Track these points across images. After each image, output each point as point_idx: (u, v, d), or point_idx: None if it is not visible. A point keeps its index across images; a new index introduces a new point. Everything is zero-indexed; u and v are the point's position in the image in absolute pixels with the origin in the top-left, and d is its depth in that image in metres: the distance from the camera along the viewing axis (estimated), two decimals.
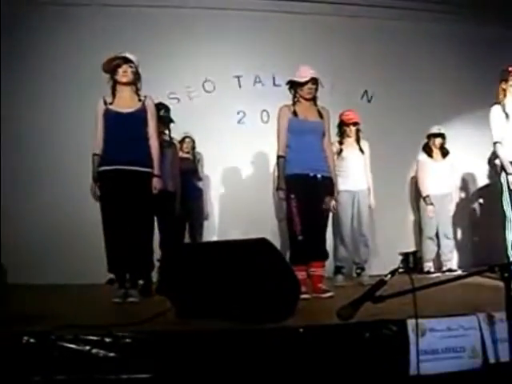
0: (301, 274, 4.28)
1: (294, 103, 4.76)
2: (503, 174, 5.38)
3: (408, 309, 2.52)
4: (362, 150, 6.10)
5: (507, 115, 5.37)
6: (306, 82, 4.68)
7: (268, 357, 2.62)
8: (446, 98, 7.80)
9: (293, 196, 4.57)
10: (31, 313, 3.63)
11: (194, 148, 6.58)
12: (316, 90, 4.75)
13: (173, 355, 2.58)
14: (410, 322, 2.72)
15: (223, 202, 7.52)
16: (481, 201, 8.15)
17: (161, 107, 5.51)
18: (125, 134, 4.46)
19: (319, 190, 4.68)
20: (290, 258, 4.54)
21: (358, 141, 6.13)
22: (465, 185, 8.11)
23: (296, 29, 7.66)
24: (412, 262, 7.35)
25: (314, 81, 4.70)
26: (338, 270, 6.09)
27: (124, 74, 4.50)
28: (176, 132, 6.00)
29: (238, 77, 7.63)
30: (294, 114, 4.70)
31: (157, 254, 5.16)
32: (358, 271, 6.12)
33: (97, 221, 4.50)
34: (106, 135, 4.51)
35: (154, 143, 4.61)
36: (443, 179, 6.97)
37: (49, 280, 6.11)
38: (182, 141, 6.41)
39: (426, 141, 7.12)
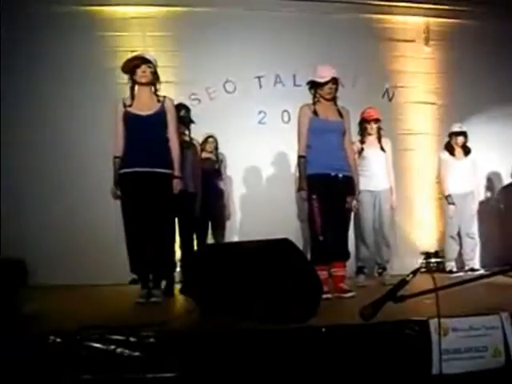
0: (322, 274, 4.27)
1: (315, 103, 4.76)
2: None
3: (431, 308, 2.52)
4: (383, 149, 6.07)
5: None
6: (327, 82, 4.67)
7: (291, 356, 2.64)
8: (470, 95, 7.74)
9: (314, 196, 4.58)
10: (56, 313, 3.69)
11: (216, 148, 6.58)
12: (336, 89, 4.75)
13: (197, 354, 2.61)
14: (433, 322, 2.72)
15: (245, 202, 7.53)
16: (506, 199, 8.07)
17: (181, 108, 5.53)
18: (145, 136, 4.46)
19: (340, 189, 4.67)
20: (311, 258, 4.54)
21: (379, 139, 6.10)
22: (490, 183, 8.04)
23: (316, 29, 7.64)
24: (434, 262, 7.32)
25: (335, 81, 4.69)
26: (359, 269, 6.09)
27: (143, 74, 4.50)
28: (197, 133, 6.00)
29: (259, 77, 7.63)
30: (315, 113, 4.70)
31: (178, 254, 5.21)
32: (380, 271, 6.10)
33: (119, 223, 4.53)
34: (126, 138, 4.52)
35: (174, 145, 4.60)
36: (465, 178, 6.90)
37: (71, 281, 6.15)
38: (204, 141, 6.41)
39: (447, 139, 7.06)
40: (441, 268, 7.11)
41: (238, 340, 2.67)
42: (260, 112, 7.63)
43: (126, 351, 2.59)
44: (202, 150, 6.28)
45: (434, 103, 7.95)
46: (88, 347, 2.60)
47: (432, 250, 7.45)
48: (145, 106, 4.52)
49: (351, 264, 5.51)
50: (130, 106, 4.52)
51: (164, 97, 4.60)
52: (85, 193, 6.77)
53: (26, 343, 2.62)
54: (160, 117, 4.54)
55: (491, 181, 8.06)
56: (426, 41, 8.13)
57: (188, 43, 7.40)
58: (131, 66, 4.54)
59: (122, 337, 2.62)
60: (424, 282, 2.38)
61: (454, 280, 2.35)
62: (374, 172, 5.97)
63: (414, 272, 2.32)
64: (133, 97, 4.56)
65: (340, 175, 4.65)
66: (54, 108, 7.03)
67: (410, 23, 8.14)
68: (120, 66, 4.59)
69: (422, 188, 7.82)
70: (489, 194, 7.99)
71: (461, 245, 7.04)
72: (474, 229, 7.06)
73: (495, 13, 7.89)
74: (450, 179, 6.93)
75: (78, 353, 2.58)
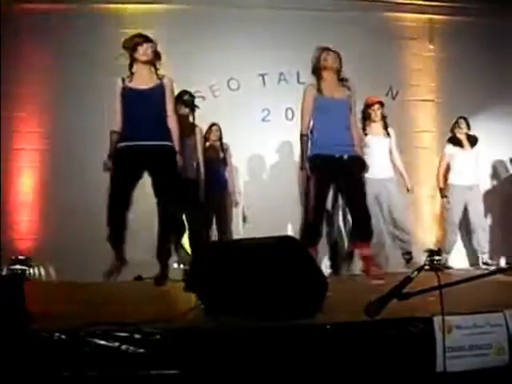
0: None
1: (319, 83, 4.71)
2: None
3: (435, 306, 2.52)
4: (389, 134, 6.02)
5: None
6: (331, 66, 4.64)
7: (296, 354, 2.64)
8: (474, 92, 7.74)
9: (314, 176, 4.52)
10: (60, 310, 3.70)
11: (221, 138, 6.57)
12: (340, 66, 4.69)
13: (202, 351, 2.61)
14: (437, 319, 2.72)
15: (248, 197, 7.53)
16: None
17: (183, 93, 5.53)
18: (143, 110, 4.45)
19: (348, 170, 4.59)
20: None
21: (384, 127, 6.06)
22: (492, 179, 8.03)
23: (320, 26, 7.64)
24: (438, 259, 7.32)
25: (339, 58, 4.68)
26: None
27: (144, 52, 4.49)
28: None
29: (263, 75, 7.65)
30: (320, 91, 4.65)
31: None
32: (407, 257, 6.04)
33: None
34: (124, 112, 4.51)
35: (172, 122, 4.58)
36: (469, 170, 6.87)
37: (74, 278, 6.15)
38: (208, 129, 6.40)
39: (451, 134, 7.04)
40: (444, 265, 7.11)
41: (243, 337, 2.68)
42: (264, 109, 7.66)
43: (131, 348, 2.59)
44: (206, 138, 6.27)
45: (437, 101, 7.94)
46: (92, 344, 2.60)
47: (436, 248, 7.45)
48: (143, 82, 4.51)
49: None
50: (129, 81, 4.51)
51: (163, 75, 4.58)
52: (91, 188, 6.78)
53: (30, 340, 2.63)
54: (158, 92, 4.53)
55: (495, 173, 8.05)
56: (430, 38, 8.11)
57: (192, 41, 7.41)
58: (133, 44, 4.52)
59: (127, 333, 2.62)
60: (428, 279, 2.38)
61: (458, 277, 2.36)
62: (377, 160, 5.91)
63: (419, 269, 2.32)
64: (132, 73, 4.55)
65: (345, 156, 4.58)
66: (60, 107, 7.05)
67: (413, 21, 8.15)
68: (121, 42, 4.58)
69: (426, 185, 7.82)
70: (494, 185, 7.98)
71: (469, 238, 7.02)
72: (484, 221, 7.02)
73: (497, 10, 7.89)
74: (456, 171, 6.88)
75: (82, 349, 2.59)
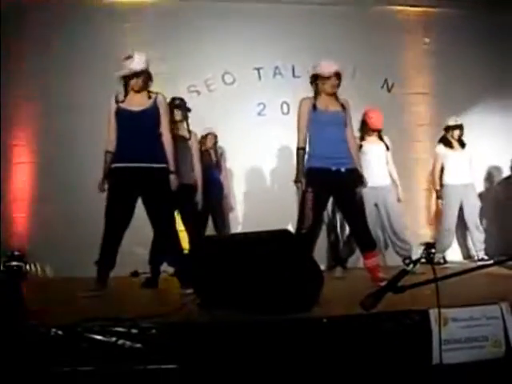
0: None
1: (316, 96, 4.73)
2: None
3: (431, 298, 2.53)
4: (387, 147, 6.08)
5: None
6: (330, 77, 4.65)
7: (292, 347, 2.65)
8: (469, 86, 7.76)
9: (310, 190, 4.54)
10: (57, 305, 3.70)
11: (216, 143, 6.58)
12: (339, 85, 4.72)
13: (198, 346, 2.62)
14: (433, 312, 2.73)
15: (245, 194, 7.54)
16: (506, 191, 8.07)
17: (175, 99, 5.54)
18: (137, 132, 4.44)
19: (345, 183, 4.62)
20: None
21: (380, 137, 6.10)
22: (489, 175, 8.04)
23: (315, 20, 7.63)
24: (434, 253, 7.32)
25: (338, 76, 4.68)
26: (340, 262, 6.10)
27: (135, 84, 4.48)
28: (196, 125, 5.99)
29: (258, 69, 7.63)
30: (315, 106, 4.67)
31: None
32: (407, 261, 6.04)
33: None
34: (118, 133, 4.49)
35: (167, 140, 4.56)
36: (464, 169, 6.88)
37: (70, 273, 6.14)
38: (204, 136, 6.41)
39: (443, 133, 7.03)
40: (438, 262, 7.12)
41: (239, 331, 2.69)
42: (259, 103, 7.63)
43: (128, 343, 2.61)
44: (202, 144, 6.30)
45: (432, 94, 7.94)
46: (89, 339, 2.61)
47: (432, 241, 7.45)
48: (137, 102, 4.48)
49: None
50: (123, 101, 4.50)
51: (156, 93, 4.58)
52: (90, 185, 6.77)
53: (27, 336, 2.63)
54: (152, 112, 4.50)
55: (490, 172, 8.06)
56: (425, 31, 8.12)
57: (186, 35, 7.39)
58: (125, 78, 4.50)
59: (123, 328, 2.63)
60: (424, 272, 2.39)
61: (454, 270, 2.36)
62: (374, 168, 5.93)
63: (414, 262, 2.33)
64: (126, 92, 4.54)
65: (342, 169, 4.59)
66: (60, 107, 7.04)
67: (408, 14, 8.14)
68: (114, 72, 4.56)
69: (421, 179, 7.83)
70: (488, 185, 7.99)
71: (464, 237, 7.04)
72: (479, 219, 7.03)
73: (493, 4, 7.88)
74: (449, 171, 6.90)
75: (79, 345, 2.59)
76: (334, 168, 4.56)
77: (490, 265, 2.47)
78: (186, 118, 5.68)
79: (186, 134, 5.62)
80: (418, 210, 7.78)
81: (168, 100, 4.85)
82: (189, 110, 5.75)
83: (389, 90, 7.90)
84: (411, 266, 2.33)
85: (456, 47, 7.88)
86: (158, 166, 4.47)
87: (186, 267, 4.14)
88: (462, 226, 7.17)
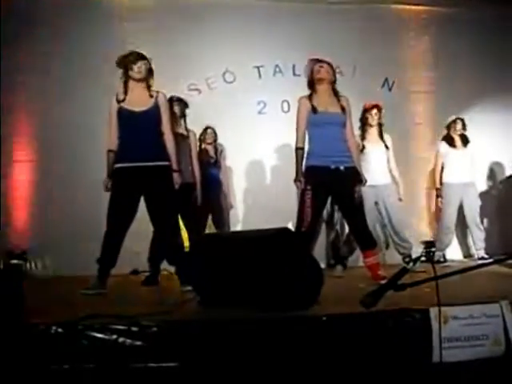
0: None
1: (312, 95, 4.73)
2: None
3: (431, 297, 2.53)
4: (386, 147, 6.07)
5: None
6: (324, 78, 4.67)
7: (292, 345, 2.65)
8: (470, 84, 7.75)
9: (309, 188, 4.54)
10: (58, 303, 3.70)
11: (215, 140, 6.57)
12: (335, 81, 4.73)
13: (199, 343, 2.62)
14: (433, 310, 2.73)
15: (245, 191, 7.54)
16: (507, 190, 8.06)
17: (174, 100, 5.55)
18: (139, 132, 4.44)
19: (344, 181, 4.61)
20: None
21: (381, 136, 6.09)
22: (491, 173, 8.03)
23: (315, 18, 7.63)
24: (434, 251, 7.32)
25: (331, 68, 4.70)
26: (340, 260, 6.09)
27: (138, 70, 4.48)
28: (196, 123, 6.00)
29: (258, 67, 7.63)
30: (314, 105, 4.66)
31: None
32: (407, 260, 6.05)
33: None
34: (120, 133, 4.50)
35: (168, 139, 4.57)
36: (466, 168, 6.87)
37: (71, 272, 6.13)
38: (203, 132, 6.41)
39: (445, 132, 7.03)
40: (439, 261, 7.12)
41: (239, 329, 2.69)
42: (260, 102, 7.62)
43: (128, 340, 2.61)
44: (201, 141, 6.30)
45: (434, 92, 7.94)
46: (89, 337, 2.61)
47: (432, 239, 7.44)
48: (138, 102, 4.48)
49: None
50: (123, 101, 4.50)
51: (157, 92, 4.58)
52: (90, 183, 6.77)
53: (28, 333, 2.64)
54: (153, 112, 4.50)
55: (492, 170, 8.05)
56: (426, 30, 8.11)
57: (187, 34, 7.38)
58: (127, 62, 4.51)
59: (124, 326, 2.63)
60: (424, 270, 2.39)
61: (454, 269, 2.36)
62: (374, 166, 5.93)
63: (415, 261, 2.32)
64: (126, 92, 4.54)
65: (341, 167, 4.58)
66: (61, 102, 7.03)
67: (409, 12, 8.13)
68: (115, 61, 4.57)
69: (421, 177, 7.82)
70: (490, 184, 7.99)
71: (464, 235, 7.03)
72: (479, 218, 7.03)
73: (494, 1, 7.87)
74: (450, 169, 6.89)
75: (79, 342, 2.59)
76: (333, 166, 4.55)
77: (490, 263, 2.47)
78: (183, 115, 5.68)
79: (184, 132, 5.63)
80: (418, 208, 7.79)
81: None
82: (187, 106, 5.75)
83: (389, 89, 7.90)
84: (411, 264, 2.33)
85: (457, 45, 7.87)
86: (160, 164, 4.48)
87: (186, 265, 4.16)
88: (462, 224, 7.17)
